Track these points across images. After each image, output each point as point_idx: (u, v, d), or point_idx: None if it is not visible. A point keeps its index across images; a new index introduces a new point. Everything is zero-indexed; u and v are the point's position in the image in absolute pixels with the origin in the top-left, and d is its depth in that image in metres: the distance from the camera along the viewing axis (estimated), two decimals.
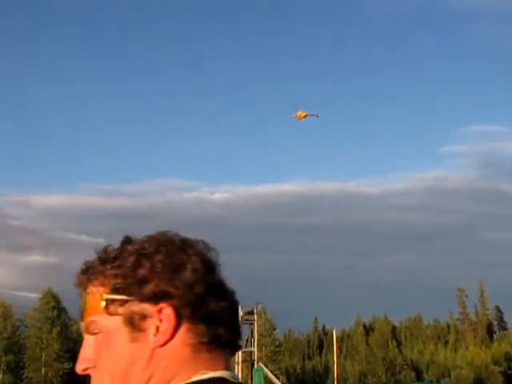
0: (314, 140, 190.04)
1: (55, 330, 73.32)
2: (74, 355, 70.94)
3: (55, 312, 75.09)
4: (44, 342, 73.14)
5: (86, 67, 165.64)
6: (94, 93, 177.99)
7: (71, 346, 75.50)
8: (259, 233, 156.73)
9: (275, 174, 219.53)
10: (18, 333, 75.96)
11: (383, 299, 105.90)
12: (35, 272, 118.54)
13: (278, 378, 65.15)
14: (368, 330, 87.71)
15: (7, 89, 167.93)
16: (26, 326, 76.80)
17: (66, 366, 72.11)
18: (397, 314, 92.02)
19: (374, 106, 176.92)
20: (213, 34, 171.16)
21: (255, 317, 66.90)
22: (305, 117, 40.91)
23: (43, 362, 72.56)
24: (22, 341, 75.52)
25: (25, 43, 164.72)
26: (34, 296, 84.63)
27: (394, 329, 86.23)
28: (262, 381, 61.71)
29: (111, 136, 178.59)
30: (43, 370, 72.16)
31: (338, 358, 75.97)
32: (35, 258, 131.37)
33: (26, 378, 72.61)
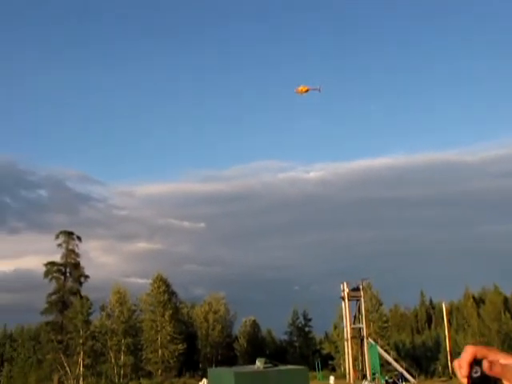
0: (410, 112, 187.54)
1: (167, 313, 76.28)
2: (186, 337, 79.13)
3: (166, 296, 78.64)
4: (158, 324, 76.73)
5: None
6: (186, 87, 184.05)
7: (183, 328, 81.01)
8: (357, 208, 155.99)
9: (370, 149, 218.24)
10: (134, 317, 79.65)
11: (491, 270, 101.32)
12: (142, 258, 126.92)
13: (389, 353, 66.87)
14: (478, 302, 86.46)
15: (122, 93, 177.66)
16: (140, 310, 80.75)
17: (181, 347, 75.83)
18: (507, 285, 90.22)
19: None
20: None
21: (361, 293, 68.81)
22: (306, 91, 40.43)
23: (159, 343, 76.14)
24: (138, 324, 78.99)
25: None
26: (143, 281, 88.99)
27: (505, 300, 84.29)
28: (377, 356, 63.92)
29: (206, 123, 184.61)
30: (160, 352, 75.85)
31: (449, 331, 75.92)
32: (141, 246, 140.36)
33: (144, 358, 76.61)
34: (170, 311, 76.89)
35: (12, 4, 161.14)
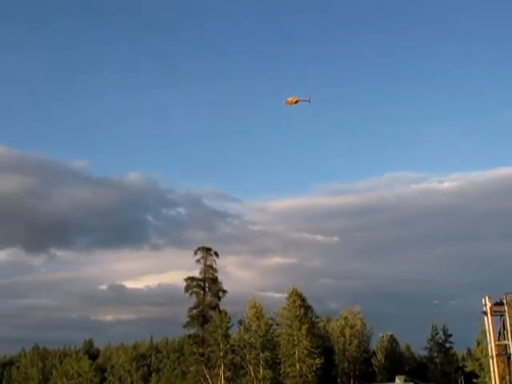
0: None
1: (304, 328, 77.40)
2: (323, 351, 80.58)
3: (302, 310, 79.61)
4: (295, 338, 77.66)
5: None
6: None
7: (320, 343, 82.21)
8: (496, 218, 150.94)
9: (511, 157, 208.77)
10: (271, 331, 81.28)
11: None
12: (277, 273, 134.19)
13: None
14: None
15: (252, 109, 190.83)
16: (277, 324, 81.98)
17: (318, 361, 76.96)
18: None
19: None
20: None
21: (505, 308, 66.78)
22: (296, 102, 41.41)
23: (296, 357, 77.20)
24: (275, 338, 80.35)
25: None
26: (278, 296, 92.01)
27: None
28: None
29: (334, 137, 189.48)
30: (297, 366, 76.90)
31: None
32: (276, 260, 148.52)
33: (283, 372, 78.12)
34: (307, 325, 78.47)
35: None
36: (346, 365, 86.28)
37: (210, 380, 78.49)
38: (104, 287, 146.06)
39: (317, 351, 77.35)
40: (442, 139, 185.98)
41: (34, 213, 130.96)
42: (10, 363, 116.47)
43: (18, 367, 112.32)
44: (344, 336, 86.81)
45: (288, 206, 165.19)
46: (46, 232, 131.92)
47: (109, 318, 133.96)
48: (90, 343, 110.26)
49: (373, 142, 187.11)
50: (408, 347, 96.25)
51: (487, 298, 62.76)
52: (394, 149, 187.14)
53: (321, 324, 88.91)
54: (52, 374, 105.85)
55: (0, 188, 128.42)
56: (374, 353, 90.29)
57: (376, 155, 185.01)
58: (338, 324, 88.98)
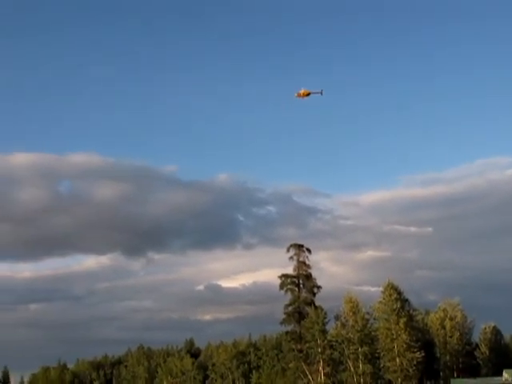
0: None
1: (402, 321, 76.01)
2: (423, 345, 79.23)
3: (399, 303, 78.07)
4: (393, 332, 76.55)
5: None
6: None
7: (419, 336, 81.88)
8: None
9: None
10: (368, 325, 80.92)
11: None
12: (371, 266, 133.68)
13: None
14: None
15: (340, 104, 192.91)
16: (374, 319, 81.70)
17: (418, 355, 75.52)
18: None
19: None
20: None
21: None
22: (308, 95, 40.36)
23: (396, 352, 76.02)
24: (373, 333, 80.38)
25: None
26: (374, 289, 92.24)
27: None
28: None
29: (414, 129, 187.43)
30: (397, 360, 75.80)
31: None
32: (369, 254, 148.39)
33: (383, 367, 78.50)
34: (404, 319, 77.31)
35: None
36: (447, 358, 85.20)
37: (309, 376, 79.31)
38: (201, 287, 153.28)
39: (417, 345, 76.08)
40: None
41: (131, 218, 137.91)
42: (118, 363, 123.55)
43: (126, 366, 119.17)
44: (444, 328, 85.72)
45: (377, 198, 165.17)
46: (143, 236, 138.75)
47: (207, 317, 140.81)
48: (191, 342, 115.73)
49: (459, 129, 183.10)
50: None
51: None
52: (487, 133, 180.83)
53: (419, 317, 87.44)
54: (157, 372, 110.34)
55: (98, 196, 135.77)
56: (476, 345, 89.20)
57: (464, 142, 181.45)
58: (437, 316, 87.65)
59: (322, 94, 42.04)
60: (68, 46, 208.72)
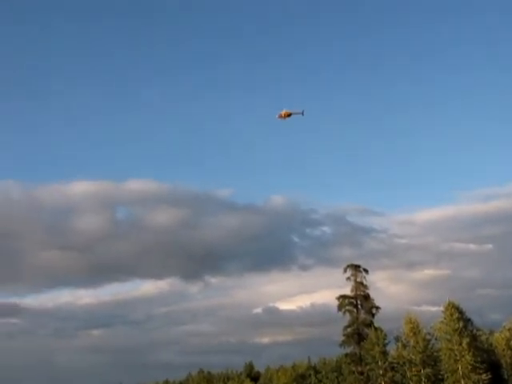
0: None
1: (465, 342, 74.16)
2: (489, 366, 76.18)
3: (461, 323, 76.47)
4: (456, 353, 74.52)
5: None
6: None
7: (484, 357, 77.80)
8: None
9: None
10: (429, 346, 78.99)
11: None
12: (430, 285, 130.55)
13: None
14: None
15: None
16: (436, 339, 79.58)
17: (485, 377, 73.05)
18: None
19: None
20: None
21: None
22: (289, 116, 39.27)
23: (460, 373, 73.85)
24: (435, 354, 78.42)
25: None
26: (435, 309, 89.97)
27: None
28: None
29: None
30: (462, 382, 73.68)
31: None
32: (428, 272, 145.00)
33: None
34: (467, 339, 75.33)
35: None
36: None
37: None
38: (259, 310, 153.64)
39: (482, 366, 73.71)
40: None
41: (188, 243, 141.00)
42: None
43: None
44: (511, 349, 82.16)
45: (434, 216, 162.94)
46: (199, 260, 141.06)
47: (265, 340, 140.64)
48: (250, 366, 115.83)
49: None
50: None
51: None
52: None
53: (483, 337, 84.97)
54: None
55: (156, 221, 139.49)
56: None
57: None
58: (503, 336, 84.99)
59: (303, 114, 40.87)
60: (121, 70, 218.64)
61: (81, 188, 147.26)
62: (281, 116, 39.81)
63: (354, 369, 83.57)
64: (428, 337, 79.38)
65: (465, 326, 76.67)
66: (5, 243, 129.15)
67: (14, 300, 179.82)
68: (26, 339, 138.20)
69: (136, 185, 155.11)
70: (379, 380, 78.74)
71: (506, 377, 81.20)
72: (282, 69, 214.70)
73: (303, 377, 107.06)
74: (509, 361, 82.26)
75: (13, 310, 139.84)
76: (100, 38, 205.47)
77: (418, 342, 77.62)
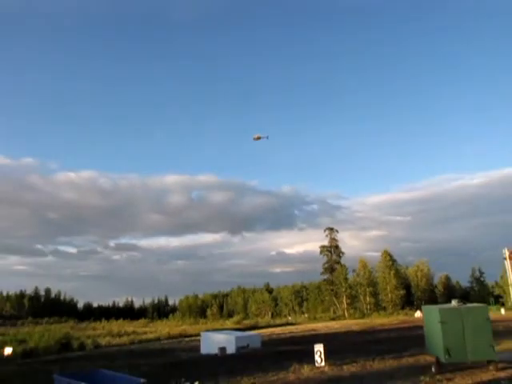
0: None
1: (392, 272, 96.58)
2: (404, 286, 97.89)
3: (390, 262, 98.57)
4: (387, 279, 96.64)
5: None
6: None
7: (402, 281, 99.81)
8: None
9: None
10: (372, 275, 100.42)
11: None
12: (375, 241, 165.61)
13: None
14: None
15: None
16: (376, 271, 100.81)
17: (402, 292, 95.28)
18: None
19: None
20: None
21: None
22: (258, 138, 40.20)
23: (388, 290, 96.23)
24: (374, 279, 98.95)
25: None
26: (376, 254, 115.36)
27: None
28: None
29: None
30: (389, 295, 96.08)
31: None
32: (373, 233, 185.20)
33: (381, 299, 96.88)
34: (393, 271, 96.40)
35: None
36: (419, 294, 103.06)
37: (337, 305, 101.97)
38: (273, 253, 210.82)
39: (401, 286, 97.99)
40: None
41: (232, 212, 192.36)
42: (226, 295, 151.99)
43: (231, 298, 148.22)
44: (417, 276, 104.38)
45: (377, 199, 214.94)
46: (239, 223, 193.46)
47: (277, 270, 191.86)
48: (267, 285, 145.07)
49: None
50: (457, 282, 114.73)
51: (506, 249, 64.68)
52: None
53: (402, 270, 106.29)
54: (248, 301, 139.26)
55: (214, 199, 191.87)
56: (435, 286, 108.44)
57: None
58: (414, 269, 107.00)
59: (267, 138, 40.98)
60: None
61: (171, 179, 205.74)
62: (254, 138, 40.53)
63: (328, 287, 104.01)
64: (371, 270, 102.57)
65: (392, 264, 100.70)
66: (129, 209, 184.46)
67: (134, 242, 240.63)
68: (141, 264, 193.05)
69: (203, 178, 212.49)
70: (342, 294, 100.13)
71: (413, 292, 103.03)
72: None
73: (298, 291, 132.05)
74: (415, 283, 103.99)
75: (133, 247, 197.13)
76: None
77: (365, 273, 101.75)
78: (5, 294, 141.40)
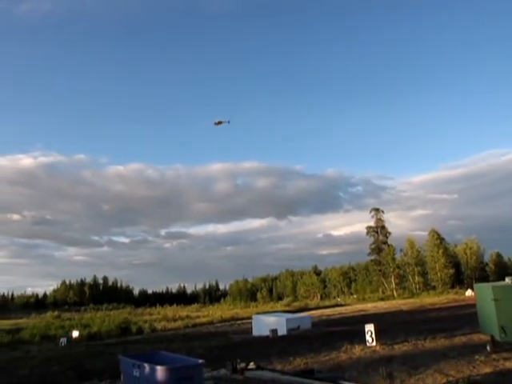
0: None
1: (440, 251, 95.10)
2: (454, 265, 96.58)
3: (438, 240, 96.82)
4: (435, 258, 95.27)
5: None
6: None
7: (451, 260, 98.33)
8: None
9: None
10: (420, 254, 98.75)
11: None
12: (420, 220, 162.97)
13: None
14: None
15: None
16: (424, 250, 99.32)
17: (451, 271, 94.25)
18: None
19: None
20: None
21: None
22: (219, 123, 38.05)
23: (437, 269, 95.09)
24: (423, 258, 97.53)
25: None
26: (424, 233, 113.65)
27: None
28: None
29: None
30: (438, 274, 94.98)
31: None
32: (419, 212, 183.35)
33: (429, 278, 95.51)
34: (442, 249, 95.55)
35: None
36: (469, 272, 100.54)
37: (386, 285, 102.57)
38: (320, 235, 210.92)
39: (450, 265, 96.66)
40: None
41: (278, 197, 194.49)
42: (275, 278, 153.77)
43: (280, 281, 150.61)
44: (466, 254, 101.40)
45: (423, 178, 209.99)
46: (285, 207, 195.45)
47: (324, 252, 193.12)
48: (315, 267, 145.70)
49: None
50: (509, 259, 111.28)
51: None
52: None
53: (451, 248, 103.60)
54: (297, 284, 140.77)
55: (259, 185, 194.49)
56: (486, 263, 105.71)
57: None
58: (462, 247, 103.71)
59: (229, 122, 38.28)
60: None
61: (216, 167, 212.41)
62: (215, 123, 38.32)
63: (376, 268, 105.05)
64: (419, 249, 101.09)
65: (440, 242, 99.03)
66: (177, 199, 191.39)
67: (184, 230, 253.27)
68: (191, 251, 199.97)
69: (247, 164, 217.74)
70: (390, 274, 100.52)
71: (463, 270, 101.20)
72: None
73: (346, 273, 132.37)
74: (465, 261, 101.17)
75: (183, 235, 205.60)
76: None
77: (413, 252, 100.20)
78: (68, 282, 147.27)
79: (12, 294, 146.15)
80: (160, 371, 5.33)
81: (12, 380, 16.42)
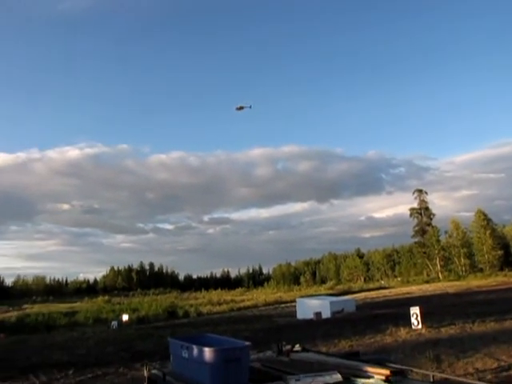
0: None
1: (487, 232, 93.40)
2: (502, 246, 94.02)
3: (485, 221, 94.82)
4: (482, 239, 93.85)
5: None
6: None
7: (500, 241, 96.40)
8: None
9: None
10: (466, 235, 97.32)
11: None
12: (465, 200, 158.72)
13: None
14: None
15: None
16: (470, 231, 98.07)
17: (499, 252, 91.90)
18: None
19: None
20: None
21: None
22: (241, 108, 38.20)
23: (485, 250, 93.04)
24: (469, 240, 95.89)
25: None
26: (469, 214, 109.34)
27: None
28: None
29: None
30: (486, 256, 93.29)
31: None
32: (464, 192, 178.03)
33: (477, 261, 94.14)
34: (489, 230, 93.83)
35: None
36: None
37: (431, 267, 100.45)
38: (362, 218, 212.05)
39: (498, 246, 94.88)
40: None
41: (318, 180, 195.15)
42: (318, 262, 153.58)
43: (323, 264, 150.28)
44: None
45: (467, 157, 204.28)
46: (326, 190, 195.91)
47: (367, 235, 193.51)
48: (358, 249, 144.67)
49: None
50: None
51: None
52: None
53: (499, 229, 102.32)
54: (340, 267, 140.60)
55: (300, 169, 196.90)
56: None
57: None
58: (510, 228, 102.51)
59: (251, 107, 38.74)
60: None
61: (257, 152, 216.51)
62: (237, 108, 38.44)
63: (420, 250, 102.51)
64: (465, 230, 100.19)
65: (487, 223, 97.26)
66: (219, 185, 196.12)
67: (227, 215, 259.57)
68: (234, 236, 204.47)
69: (287, 149, 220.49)
70: (435, 256, 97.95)
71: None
72: None
73: (390, 255, 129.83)
74: None
75: (226, 220, 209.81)
76: None
77: (458, 234, 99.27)
78: (116, 269, 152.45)
79: (66, 280, 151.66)
80: (208, 352, 5.49)
81: (73, 358, 17.57)
